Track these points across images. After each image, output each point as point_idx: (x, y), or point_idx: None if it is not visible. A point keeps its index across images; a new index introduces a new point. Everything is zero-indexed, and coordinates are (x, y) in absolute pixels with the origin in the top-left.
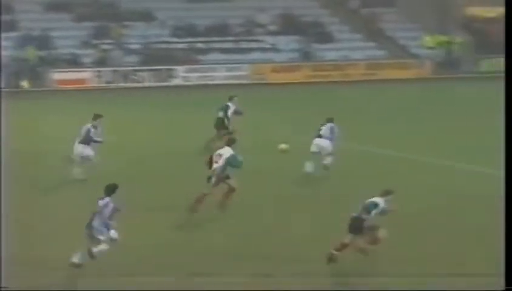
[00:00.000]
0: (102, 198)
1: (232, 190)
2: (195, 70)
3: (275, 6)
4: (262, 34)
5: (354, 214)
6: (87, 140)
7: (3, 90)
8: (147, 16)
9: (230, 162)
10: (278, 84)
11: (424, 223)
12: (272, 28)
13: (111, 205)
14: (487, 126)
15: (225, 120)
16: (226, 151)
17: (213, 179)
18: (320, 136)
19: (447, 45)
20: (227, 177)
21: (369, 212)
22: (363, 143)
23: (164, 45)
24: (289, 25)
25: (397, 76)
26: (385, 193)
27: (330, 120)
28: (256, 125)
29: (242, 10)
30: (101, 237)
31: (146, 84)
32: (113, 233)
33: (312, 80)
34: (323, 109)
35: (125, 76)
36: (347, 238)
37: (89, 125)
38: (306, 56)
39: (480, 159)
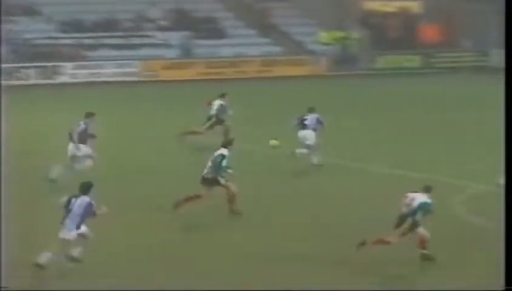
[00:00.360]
0: (76, 196)
1: (231, 193)
2: (82, 67)
3: (166, 0)
4: (153, 29)
5: (403, 212)
6: (84, 139)
7: None
8: (31, 11)
9: (216, 162)
10: (169, 81)
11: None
12: (163, 23)
13: (84, 204)
14: (384, 123)
15: (217, 119)
16: (219, 152)
17: (208, 180)
18: (304, 127)
19: (343, 41)
20: (218, 182)
21: (417, 212)
22: (259, 143)
23: (50, 41)
24: (181, 20)
25: (293, 72)
26: (427, 189)
27: (311, 110)
28: (147, 123)
29: (131, 4)
30: (70, 238)
31: (31, 82)
32: (83, 231)
33: (206, 77)
34: None
35: (9, 74)
36: (392, 235)
37: (83, 124)
38: (199, 52)
39: (384, 158)
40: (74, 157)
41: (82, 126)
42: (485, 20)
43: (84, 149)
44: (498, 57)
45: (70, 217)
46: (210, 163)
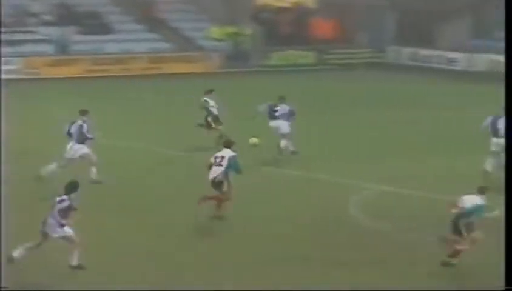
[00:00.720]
0: (60, 195)
1: (227, 198)
2: None
3: None
4: (36, 24)
5: (456, 215)
6: (82, 139)
7: None
8: None
9: (232, 164)
10: (53, 79)
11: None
12: (46, 18)
13: (68, 204)
14: None
15: (209, 118)
16: (227, 153)
17: (218, 183)
18: (275, 118)
19: (235, 36)
20: (225, 183)
21: (471, 214)
22: (148, 143)
23: None
24: (66, 15)
25: (183, 70)
26: (481, 191)
27: (282, 100)
28: (31, 123)
29: None
30: (55, 235)
31: None
32: (67, 231)
33: (91, 74)
34: (102, 105)
35: None
36: (454, 239)
37: (80, 122)
38: (84, 48)
39: (283, 159)
40: (73, 157)
41: (84, 125)
42: (381, 16)
43: (85, 150)
44: (394, 54)
45: (51, 216)
46: (223, 166)
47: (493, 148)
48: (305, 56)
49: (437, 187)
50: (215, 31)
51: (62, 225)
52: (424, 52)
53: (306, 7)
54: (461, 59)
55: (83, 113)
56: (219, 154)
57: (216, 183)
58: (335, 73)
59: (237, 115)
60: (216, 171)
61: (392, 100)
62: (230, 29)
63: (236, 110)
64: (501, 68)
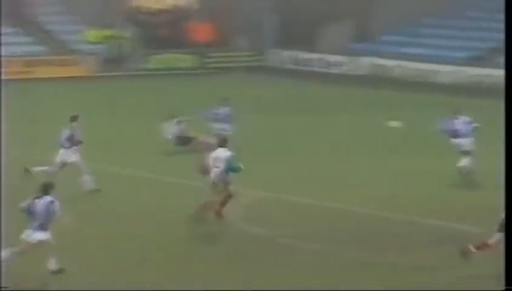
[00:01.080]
0: (39, 197)
1: (229, 196)
2: None
3: None
4: None
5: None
6: (73, 144)
7: None
8: None
9: (230, 163)
10: None
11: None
12: None
13: (46, 203)
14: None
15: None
16: (223, 153)
17: (219, 185)
18: (220, 120)
19: (112, 39)
20: (228, 183)
21: None
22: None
23: None
24: None
25: (58, 73)
26: None
27: (224, 102)
28: None
29: None
30: (33, 239)
31: None
32: (46, 234)
33: None
34: None
35: None
36: (494, 238)
37: (70, 128)
38: None
39: (153, 164)
40: (64, 164)
41: (67, 131)
42: (261, 19)
43: (73, 156)
44: (274, 57)
45: (35, 219)
46: (220, 167)
47: (456, 149)
48: (184, 60)
49: (318, 192)
50: (91, 34)
51: (46, 227)
52: (305, 55)
53: (183, 10)
54: (342, 63)
55: (72, 118)
56: (215, 155)
57: (216, 185)
58: (215, 76)
59: (114, 118)
60: (215, 173)
61: (272, 105)
62: (107, 32)
63: (113, 113)
64: (382, 72)
